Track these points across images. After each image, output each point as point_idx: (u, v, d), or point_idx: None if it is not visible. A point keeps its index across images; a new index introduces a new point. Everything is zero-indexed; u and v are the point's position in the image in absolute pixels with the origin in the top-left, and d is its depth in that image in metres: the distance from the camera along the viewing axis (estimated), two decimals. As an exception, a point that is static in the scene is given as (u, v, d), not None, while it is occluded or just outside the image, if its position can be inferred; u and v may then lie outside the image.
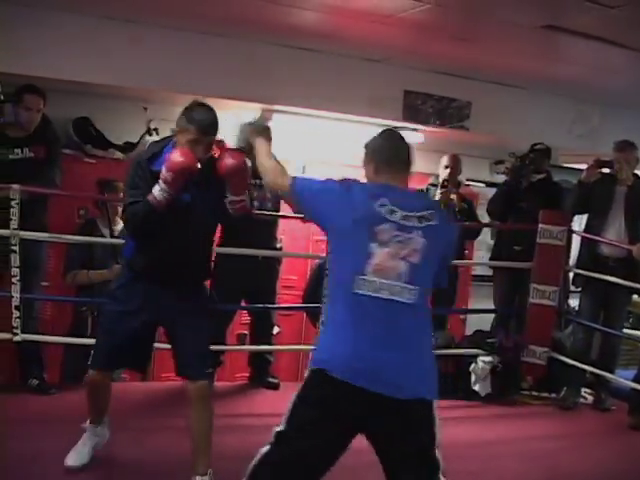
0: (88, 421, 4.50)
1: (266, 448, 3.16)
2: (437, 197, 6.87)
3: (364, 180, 3.47)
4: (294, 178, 3.40)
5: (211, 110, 4.12)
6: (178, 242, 4.06)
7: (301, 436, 3.11)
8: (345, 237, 3.21)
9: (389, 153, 3.46)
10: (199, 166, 3.98)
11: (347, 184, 3.33)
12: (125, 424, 4.95)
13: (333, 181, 3.40)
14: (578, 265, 6.69)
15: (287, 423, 3.13)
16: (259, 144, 3.67)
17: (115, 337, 4.19)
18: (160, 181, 3.91)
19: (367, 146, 3.55)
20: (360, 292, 3.11)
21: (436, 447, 3.25)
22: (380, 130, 3.64)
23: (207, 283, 4.70)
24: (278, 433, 3.14)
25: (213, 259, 6.14)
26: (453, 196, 6.91)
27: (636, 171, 6.53)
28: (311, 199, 3.35)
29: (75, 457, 4.36)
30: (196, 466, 4.12)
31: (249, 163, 4.11)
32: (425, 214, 3.25)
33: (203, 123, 4.03)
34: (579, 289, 6.84)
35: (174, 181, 3.89)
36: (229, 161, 4.04)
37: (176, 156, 3.91)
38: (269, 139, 3.76)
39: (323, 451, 3.14)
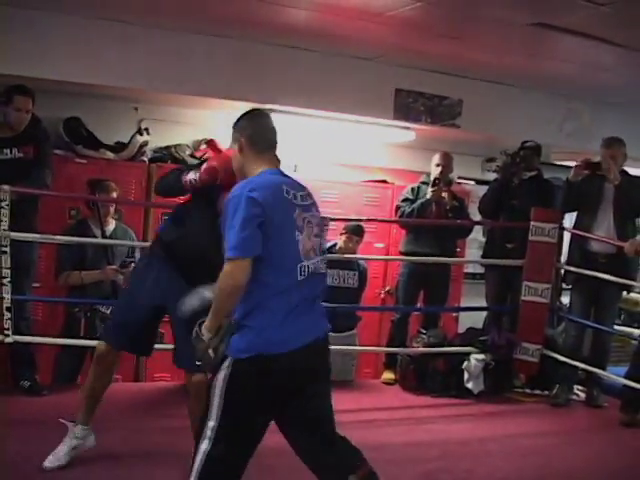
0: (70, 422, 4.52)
1: None
2: (428, 195, 6.88)
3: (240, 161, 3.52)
4: (229, 259, 3.19)
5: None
6: (202, 227, 4.24)
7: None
8: (278, 234, 3.25)
9: (269, 136, 3.53)
10: None
11: (258, 194, 3.23)
12: (118, 424, 4.95)
13: (247, 204, 3.21)
14: (568, 262, 6.70)
15: None
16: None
17: (125, 316, 4.41)
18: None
19: (244, 127, 3.52)
20: (300, 278, 3.29)
21: None
22: (255, 113, 3.66)
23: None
24: None
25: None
26: (445, 194, 6.93)
27: (625, 168, 6.56)
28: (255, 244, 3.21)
29: (52, 458, 4.38)
30: None
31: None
32: (307, 191, 3.45)
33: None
34: (570, 286, 6.85)
35: (212, 178, 4.29)
36: (204, 175, 4.29)
37: (210, 162, 4.40)
38: None
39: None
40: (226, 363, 3.24)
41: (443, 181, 6.97)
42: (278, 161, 3.51)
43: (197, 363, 4.06)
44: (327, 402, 3.45)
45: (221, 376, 3.24)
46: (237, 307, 3.23)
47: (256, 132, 3.48)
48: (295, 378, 3.28)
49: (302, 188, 3.42)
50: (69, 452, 4.41)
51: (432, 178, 6.99)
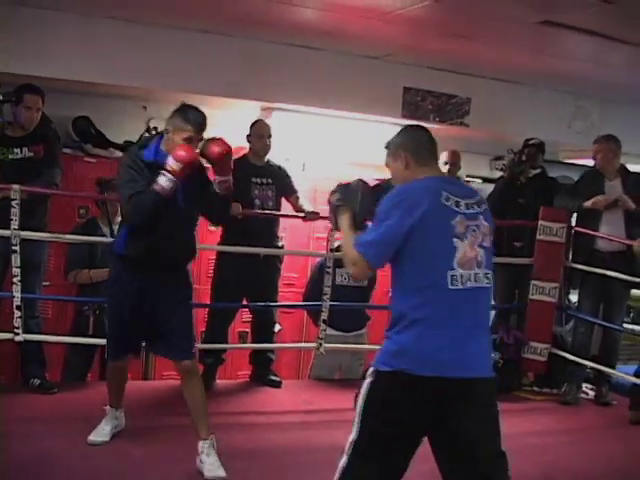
0: (108, 405, 4.83)
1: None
2: None
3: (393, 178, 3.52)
4: (363, 255, 3.17)
5: (202, 112, 4.49)
6: (167, 230, 4.39)
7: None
8: (424, 239, 3.13)
9: (428, 146, 3.46)
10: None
11: (401, 202, 3.18)
12: (127, 422, 4.96)
13: (388, 215, 3.18)
14: (574, 261, 6.67)
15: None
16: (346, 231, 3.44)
17: (117, 329, 4.62)
18: (166, 172, 4.24)
19: (398, 144, 3.53)
20: (452, 287, 3.11)
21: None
22: (401, 127, 3.67)
23: (191, 270, 5.09)
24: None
25: (215, 257, 6.21)
26: None
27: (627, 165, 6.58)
28: (387, 251, 3.17)
29: (97, 434, 4.72)
30: (199, 432, 4.43)
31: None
32: (478, 199, 3.31)
33: (199, 122, 4.41)
34: (575, 288, 6.85)
35: (182, 171, 4.25)
36: (216, 148, 4.45)
37: (183, 150, 4.28)
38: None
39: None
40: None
41: None
42: (440, 171, 3.56)
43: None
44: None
45: (364, 387, 3.17)
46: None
47: (417, 145, 3.45)
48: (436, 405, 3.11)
49: (471, 196, 3.30)
50: (111, 431, 4.80)
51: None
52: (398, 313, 3.14)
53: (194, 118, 4.40)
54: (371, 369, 3.16)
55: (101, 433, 4.73)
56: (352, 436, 3.11)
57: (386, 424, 3.08)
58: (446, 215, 3.15)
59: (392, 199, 3.20)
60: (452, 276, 3.10)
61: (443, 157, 7.05)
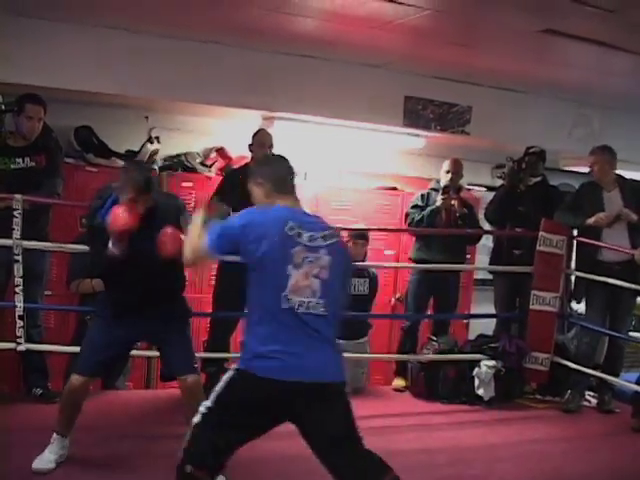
0: (55, 433, 4.61)
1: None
2: (438, 203, 6.87)
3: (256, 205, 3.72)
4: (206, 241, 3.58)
5: (145, 170, 4.63)
6: (135, 277, 4.42)
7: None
8: (265, 262, 3.43)
9: (285, 177, 3.74)
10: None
11: (247, 216, 3.55)
12: (129, 431, 4.96)
13: (234, 219, 3.61)
14: (578, 271, 6.67)
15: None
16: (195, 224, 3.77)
17: (99, 350, 4.57)
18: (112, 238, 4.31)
19: (257, 171, 3.79)
20: (284, 307, 3.40)
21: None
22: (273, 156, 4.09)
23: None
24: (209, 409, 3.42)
25: (216, 266, 6.21)
26: (454, 202, 6.92)
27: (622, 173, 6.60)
28: (226, 245, 3.57)
29: (40, 461, 4.46)
30: None
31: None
32: (326, 233, 3.55)
33: (138, 184, 4.35)
34: (577, 302, 6.86)
35: (120, 238, 4.31)
36: (168, 247, 4.30)
37: (116, 217, 4.28)
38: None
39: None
40: (235, 365, 3.48)
41: (453, 189, 6.97)
42: (299, 203, 3.73)
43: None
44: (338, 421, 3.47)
45: (228, 374, 3.46)
46: None
47: (277, 176, 3.72)
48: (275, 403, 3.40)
49: (320, 229, 3.55)
50: (57, 459, 4.55)
51: (442, 185, 6.99)
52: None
53: (134, 178, 4.37)
54: None
55: (45, 460, 4.48)
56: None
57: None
58: (287, 244, 3.44)
59: (241, 215, 3.57)
60: (285, 297, 3.39)
61: (445, 166, 7.07)
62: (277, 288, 3.40)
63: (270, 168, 3.80)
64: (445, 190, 6.89)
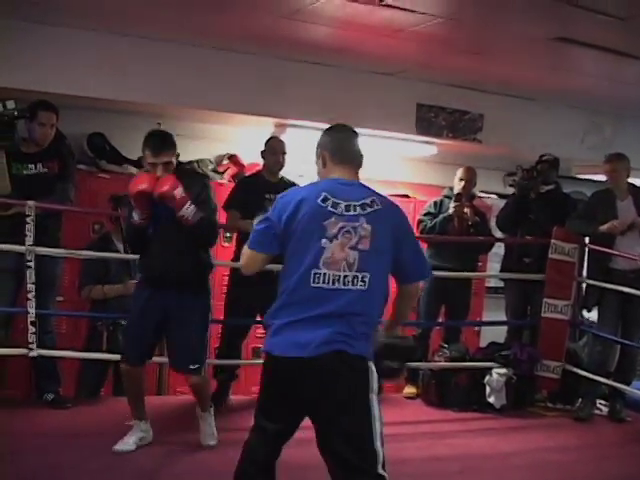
0: (133, 420, 4.95)
1: None
2: (451, 210, 6.86)
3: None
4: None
5: (162, 134, 4.87)
6: (158, 250, 4.73)
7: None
8: (298, 238, 3.33)
9: (342, 145, 3.61)
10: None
11: (280, 200, 3.49)
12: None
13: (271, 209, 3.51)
14: (590, 279, 6.65)
15: None
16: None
17: (133, 335, 4.91)
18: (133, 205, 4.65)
19: (320, 142, 3.70)
20: (315, 285, 3.27)
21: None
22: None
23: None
24: None
25: (228, 273, 6.22)
26: (467, 209, 6.91)
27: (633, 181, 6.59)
28: (267, 238, 3.46)
29: (121, 444, 4.82)
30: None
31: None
32: (367, 201, 3.38)
33: (154, 146, 4.65)
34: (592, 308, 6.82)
35: (138, 203, 4.59)
36: (160, 189, 4.50)
37: (134, 182, 4.59)
38: None
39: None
40: None
41: (465, 197, 6.96)
42: (352, 173, 3.57)
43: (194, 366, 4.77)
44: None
45: None
46: None
47: (335, 146, 3.61)
48: (290, 384, 3.33)
49: (359, 198, 3.40)
50: (137, 442, 4.90)
51: (455, 192, 6.99)
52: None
53: (150, 142, 4.70)
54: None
55: (126, 443, 4.82)
56: None
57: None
58: (319, 216, 3.31)
59: (276, 201, 3.50)
60: (315, 274, 3.26)
61: (459, 173, 7.06)
62: (308, 264, 3.27)
63: (328, 136, 3.67)
64: (458, 198, 6.89)
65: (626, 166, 6.45)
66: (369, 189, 3.49)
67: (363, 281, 3.28)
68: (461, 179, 7.03)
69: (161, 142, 4.68)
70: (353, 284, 3.27)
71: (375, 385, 3.29)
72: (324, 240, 3.28)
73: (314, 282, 3.27)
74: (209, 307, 5.04)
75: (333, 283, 3.26)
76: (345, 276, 3.27)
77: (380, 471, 3.23)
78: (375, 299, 3.36)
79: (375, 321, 3.43)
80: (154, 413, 5.11)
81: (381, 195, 3.50)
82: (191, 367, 4.80)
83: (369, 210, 3.35)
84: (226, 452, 4.37)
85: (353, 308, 3.28)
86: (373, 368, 3.30)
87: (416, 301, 3.51)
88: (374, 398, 3.28)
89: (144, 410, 4.99)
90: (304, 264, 3.28)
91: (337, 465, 3.27)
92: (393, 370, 3.64)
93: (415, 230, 7.22)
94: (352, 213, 3.32)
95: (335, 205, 3.32)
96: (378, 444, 3.24)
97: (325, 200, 3.33)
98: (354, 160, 3.57)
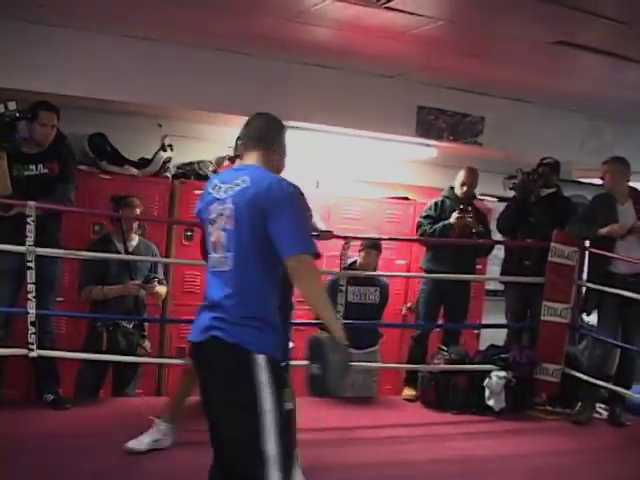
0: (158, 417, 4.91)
1: None
2: (452, 219, 6.81)
3: None
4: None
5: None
6: None
7: None
8: (205, 229, 3.47)
9: (244, 134, 3.57)
10: None
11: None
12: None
13: None
14: (589, 282, 6.64)
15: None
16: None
17: None
18: None
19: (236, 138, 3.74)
20: (211, 270, 3.38)
21: None
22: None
23: None
24: None
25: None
26: (470, 219, 6.85)
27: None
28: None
29: (135, 442, 4.81)
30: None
31: None
32: (238, 181, 3.32)
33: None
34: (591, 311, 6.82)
35: None
36: None
37: None
38: None
39: None
40: None
41: (467, 200, 6.95)
42: (253, 157, 3.49)
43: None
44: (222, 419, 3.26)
45: None
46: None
47: (243, 134, 3.59)
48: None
49: (235, 178, 3.35)
50: (151, 443, 4.85)
51: (457, 193, 6.98)
52: None
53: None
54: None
55: (140, 442, 4.82)
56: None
57: None
58: (208, 203, 3.40)
59: None
60: (210, 259, 3.37)
61: (460, 176, 7.03)
62: (207, 250, 3.40)
63: (242, 128, 3.61)
64: (461, 210, 6.82)
65: (619, 169, 6.44)
66: (251, 169, 3.40)
67: (229, 262, 3.27)
68: (464, 183, 7.01)
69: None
70: (224, 265, 3.28)
71: (266, 378, 3.13)
72: (209, 225, 3.37)
73: (211, 266, 3.37)
74: None
75: (216, 266, 3.33)
76: (219, 258, 3.31)
77: (268, 475, 3.07)
78: (248, 280, 3.25)
79: (262, 306, 3.25)
80: (155, 413, 5.09)
81: (259, 173, 3.37)
82: None
83: (236, 189, 3.30)
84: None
85: (225, 291, 3.25)
86: (261, 359, 3.14)
87: (314, 284, 3.23)
88: (266, 391, 3.12)
89: (179, 413, 4.98)
90: (207, 250, 3.41)
91: (216, 460, 3.28)
92: (312, 376, 3.36)
93: (415, 232, 7.23)
94: (224, 195, 3.32)
95: (218, 190, 3.36)
96: (266, 444, 3.08)
97: (214, 187, 3.39)
98: (258, 144, 3.49)
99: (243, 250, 3.24)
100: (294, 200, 3.26)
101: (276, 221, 3.18)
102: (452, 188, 7.11)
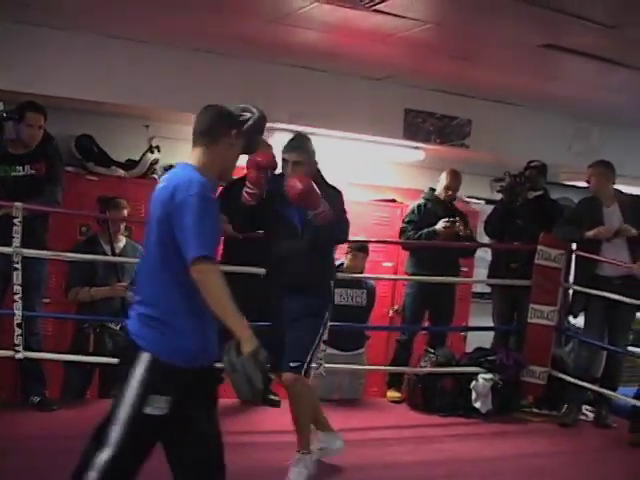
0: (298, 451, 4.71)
1: None
2: (439, 226, 6.80)
3: None
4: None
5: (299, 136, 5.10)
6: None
7: None
8: None
9: (195, 128, 3.43)
10: None
11: None
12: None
13: None
14: (576, 285, 6.66)
15: None
16: None
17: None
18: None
19: None
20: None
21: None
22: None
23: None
24: None
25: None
26: (459, 227, 6.84)
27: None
28: None
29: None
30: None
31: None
32: (162, 181, 3.30)
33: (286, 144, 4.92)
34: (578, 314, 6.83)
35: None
36: (294, 189, 4.54)
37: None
38: None
39: None
40: None
41: (451, 200, 6.96)
42: (196, 153, 3.38)
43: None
44: None
45: None
46: None
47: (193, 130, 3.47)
48: None
49: (164, 178, 3.34)
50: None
51: (440, 195, 6.99)
52: None
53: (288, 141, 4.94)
54: None
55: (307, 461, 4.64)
56: None
57: None
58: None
59: None
60: None
61: (444, 179, 7.03)
62: None
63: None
64: (451, 221, 6.81)
65: (604, 171, 6.44)
66: (178, 168, 3.36)
67: (142, 263, 3.31)
68: (448, 187, 7.01)
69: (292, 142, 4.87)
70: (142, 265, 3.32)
71: (139, 377, 3.09)
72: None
73: None
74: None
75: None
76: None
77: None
78: (153, 282, 3.21)
79: (166, 309, 3.15)
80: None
81: (178, 172, 3.30)
82: (295, 366, 4.62)
83: (157, 190, 3.25)
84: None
85: (139, 288, 3.32)
86: (145, 357, 3.10)
87: (212, 288, 3.08)
88: (132, 390, 3.10)
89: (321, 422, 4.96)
90: None
91: None
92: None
93: (398, 236, 7.22)
94: (160, 196, 3.23)
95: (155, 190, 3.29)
96: (109, 439, 3.12)
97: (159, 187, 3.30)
98: (200, 140, 3.37)
99: (150, 252, 3.23)
100: (194, 203, 3.09)
101: (176, 225, 3.10)
102: (432, 190, 7.11)
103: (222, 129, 3.37)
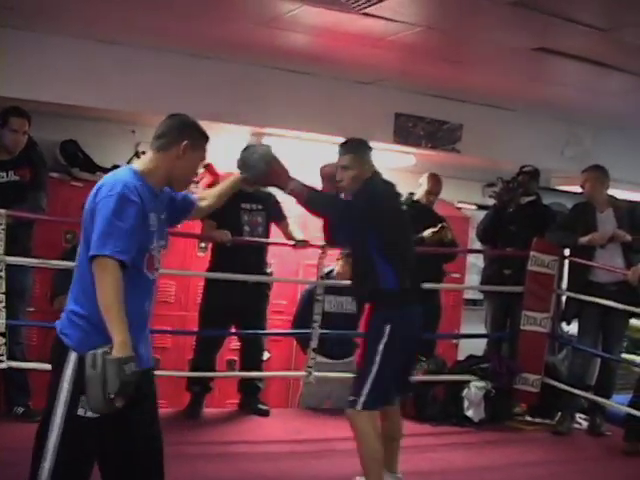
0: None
1: None
2: (426, 234, 6.73)
3: None
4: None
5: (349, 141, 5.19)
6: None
7: None
8: None
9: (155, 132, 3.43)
10: None
11: None
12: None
13: None
14: (569, 292, 6.60)
15: None
16: None
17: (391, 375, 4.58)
18: None
19: None
20: None
21: None
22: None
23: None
24: None
25: (203, 284, 6.14)
26: (446, 233, 6.79)
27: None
28: None
29: None
30: None
31: None
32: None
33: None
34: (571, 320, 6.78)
35: None
36: None
37: None
38: None
39: None
40: None
41: (431, 204, 6.93)
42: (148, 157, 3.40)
43: None
44: None
45: None
46: None
47: None
48: None
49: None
50: None
51: (421, 200, 6.94)
52: None
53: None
54: None
55: None
56: None
57: None
58: None
59: None
60: None
61: (425, 184, 6.99)
62: None
63: None
64: (440, 227, 6.76)
65: (599, 176, 6.42)
66: (119, 169, 3.36)
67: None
68: (430, 192, 6.96)
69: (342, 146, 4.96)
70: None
71: (69, 377, 3.10)
72: None
73: None
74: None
75: None
76: None
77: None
78: (81, 279, 3.22)
79: (92, 307, 3.05)
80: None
81: (112, 175, 3.28)
82: (353, 401, 4.44)
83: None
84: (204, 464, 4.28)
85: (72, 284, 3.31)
86: (73, 357, 3.09)
87: (102, 286, 3.00)
88: (63, 391, 3.12)
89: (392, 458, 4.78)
90: None
91: None
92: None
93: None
94: None
95: None
96: (46, 441, 3.17)
97: None
98: (152, 144, 3.40)
99: (80, 250, 3.25)
100: (110, 203, 3.07)
101: (95, 223, 3.09)
102: (412, 194, 7.05)
103: (174, 138, 3.36)
